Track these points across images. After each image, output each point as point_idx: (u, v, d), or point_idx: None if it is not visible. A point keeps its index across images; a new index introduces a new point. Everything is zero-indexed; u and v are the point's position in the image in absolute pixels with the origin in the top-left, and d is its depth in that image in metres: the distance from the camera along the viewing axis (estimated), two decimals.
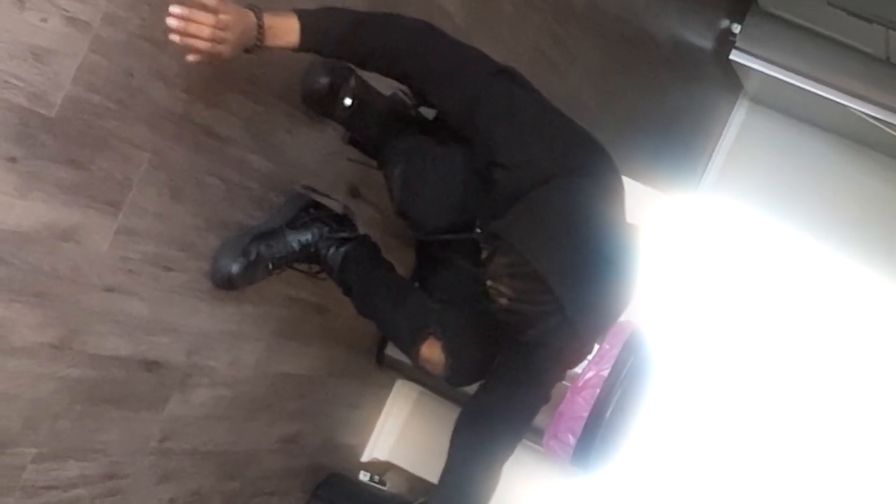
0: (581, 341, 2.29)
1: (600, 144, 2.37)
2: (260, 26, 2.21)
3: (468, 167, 2.35)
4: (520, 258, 2.13)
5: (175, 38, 2.09)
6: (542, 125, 2.32)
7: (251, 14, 2.20)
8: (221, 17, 2.12)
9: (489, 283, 2.18)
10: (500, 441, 2.51)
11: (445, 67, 2.32)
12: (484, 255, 2.21)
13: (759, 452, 3.64)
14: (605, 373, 3.18)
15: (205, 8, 2.11)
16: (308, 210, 2.73)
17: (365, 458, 3.81)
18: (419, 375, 3.50)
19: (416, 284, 2.73)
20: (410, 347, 2.54)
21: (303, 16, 2.26)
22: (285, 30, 2.25)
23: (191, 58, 2.14)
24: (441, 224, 2.42)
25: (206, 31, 2.11)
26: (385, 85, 2.71)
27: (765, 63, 5.76)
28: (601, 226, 2.20)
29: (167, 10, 2.09)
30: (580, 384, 3.20)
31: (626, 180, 2.43)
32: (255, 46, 2.24)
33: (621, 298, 2.27)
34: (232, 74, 2.43)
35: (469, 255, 2.33)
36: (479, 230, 2.37)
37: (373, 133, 2.69)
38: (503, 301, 2.18)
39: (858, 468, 3.58)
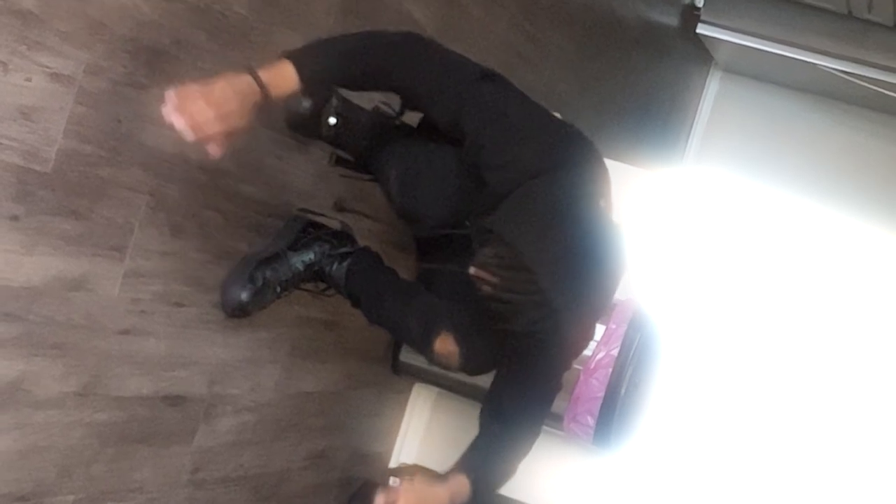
0: (565, 331, 2.30)
1: (583, 136, 2.39)
2: (260, 84, 2.13)
3: (460, 162, 2.35)
4: (509, 249, 2.16)
5: (189, 137, 2.03)
6: (526, 125, 2.32)
7: (246, 76, 2.12)
8: (216, 94, 2.06)
9: (473, 270, 2.21)
10: (521, 434, 2.57)
11: (432, 77, 2.31)
12: (475, 245, 2.23)
13: (767, 414, 3.63)
14: (615, 352, 3.18)
15: (198, 96, 2.05)
16: (307, 230, 2.72)
17: (393, 463, 3.81)
18: (436, 377, 3.50)
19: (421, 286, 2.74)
20: (425, 345, 2.54)
21: (295, 59, 2.19)
22: (283, 77, 2.17)
23: (213, 149, 2.09)
24: (442, 216, 2.41)
25: (210, 114, 2.04)
26: (366, 98, 2.71)
27: (731, 32, 5.76)
28: (587, 219, 2.24)
29: (146, 55, 2.09)
30: (592, 366, 3.20)
31: (611, 163, 2.44)
32: (262, 104, 2.16)
33: (606, 291, 2.33)
34: None
35: (468, 250, 2.34)
36: (468, 223, 2.37)
37: (361, 147, 2.69)
38: (487, 289, 2.21)
39: (863, 420, 3.57)
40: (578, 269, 2.20)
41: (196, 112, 2.03)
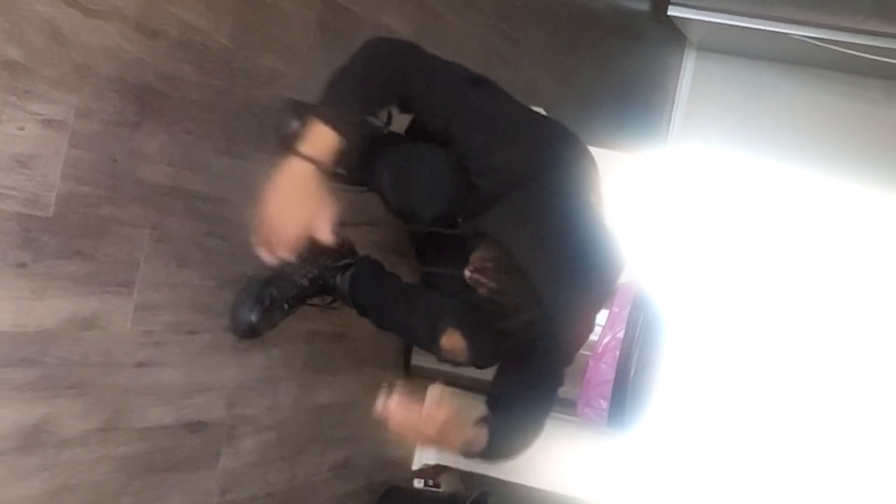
0: (560, 331, 2.29)
1: (570, 133, 2.39)
2: (310, 161, 2.14)
3: (451, 160, 2.35)
4: (502, 252, 2.15)
5: (302, 252, 2.13)
6: (515, 129, 2.31)
7: (293, 161, 2.14)
8: (287, 207, 2.12)
9: (468, 273, 2.21)
10: (523, 426, 2.54)
11: (423, 84, 2.30)
12: (469, 247, 2.23)
13: (773, 382, 3.62)
14: (621, 335, 3.18)
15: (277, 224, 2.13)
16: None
17: (416, 465, 3.80)
18: (448, 376, 3.49)
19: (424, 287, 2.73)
20: (432, 343, 2.54)
21: (322, 118, 2.16)
22: (322, 140, 2.16)
23: (326, 235, 2.15)
24: (437, 209, 2.40)
25: (297, 225, 2.13)
26: None
27: (701, 11, 5.76)
28: (579, 221, 2.24)
29: (134, 93, 2.09)
30: (599, 351, 3.19)
31: (597, 150, 2.44)
32: (322, 172, 2.16)
33: (600, 291, 2.32)
34: (208, 137, 2.42)
35: (463, 252, 2.33)
36: (459, 220, 2.37)
37: (350, 159, 2.68)
38: (483, 291, 2.21)
39: (868, 390, 3.57)
40: (572, 272, 2.19)
41: (286, 236, 2.12)
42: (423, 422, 2.23)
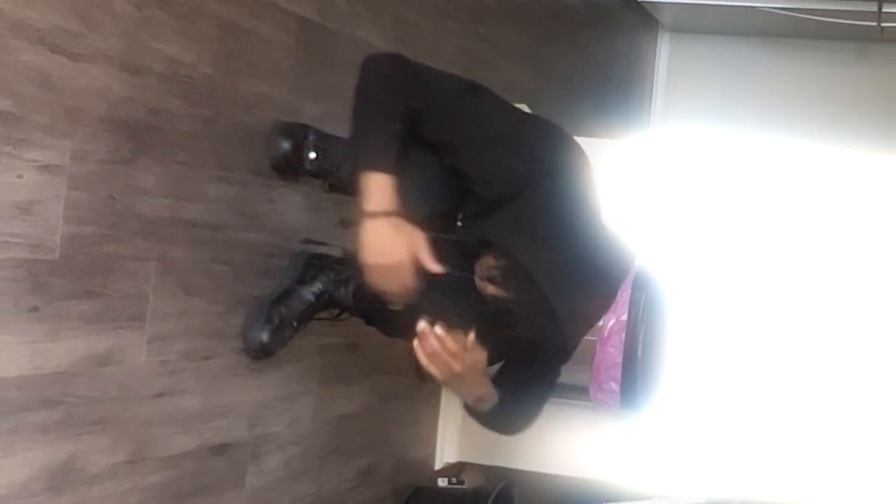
0: (568, 337, 2.29)
1: (565, 135, 2.39)
2: (383, 213, 2.18)
3: (442, 162, 2.34)
4: (511, 261, 2.15)
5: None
6: (514, 136, 2.31)
7: (371, 220, 2.18)
8: (392, 258, 2.19)
9: (478, 282, 2.21)
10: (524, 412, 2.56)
11: (423, 98, 2.30)
12: (469, 250, 2.24)
13: (778, 348, 3.63)
14: (624, 317, 3.18)
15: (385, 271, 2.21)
16: (311, 263, 2.72)
17: (438, 465, 3.81)
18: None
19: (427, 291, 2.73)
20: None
21: (368, 167, 2.19)
22: (380, 189, 2.18)
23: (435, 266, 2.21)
24: (431, 210, 2.39)
25: (405, 268, 2.20)
26: (341, 127, 2.72)
27: None
28: (583, 226, 2.24)
29: (126, 130, 2.10)
30: (605, 335, 3.19)
31: (584, 140, 2.44)
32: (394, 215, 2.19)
33: (607, 295, 2.31)
34: (202, 166, 2.43)
35: (463, 255, 2.33)
36: (459, 223, 2.37)
37: (345, 173, 2.69)
38: (493, 299, 2.21)
39: (869, 358, 3.57)
40: (579, 276, 2.19)
41: (404, 284, 2.21)
42: (452, 356, 2.21)
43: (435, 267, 2.19)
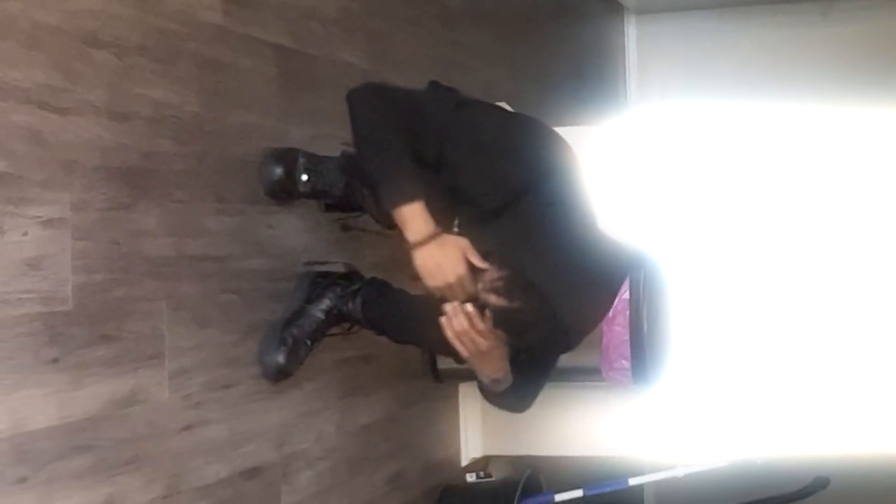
0: (572, 341, 2.31)
1: (552, 132, 2.39)
2: (428, 237, 2.23)
3: (438, 181, 2.35)
4: (513, 270, 2.16)
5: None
6: (503, 146, 2.31)
7: (420, 248, 2.23)
8: (454, 275, 2.24)
9: (483, 295, 2.22)
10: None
11: (412, 123, 2.30)
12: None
13: (780, 309, 3.63)
14: (626, 296, 3.18)
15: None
16: (317, 282, 2.72)
17: (464, 462, 3.81)
18: (473, 372, 3.49)
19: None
20: (452, 350, 2.54)
21: (398, 201, 2.23)
22: (416, 218, 2.23)
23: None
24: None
25: (465, 280, 2.25)
26: (330, 147, 2.72)
27: None
28: (581, 226, 2.26)
29: (122, 177, 2.10)
30: (610, 315, 3.18)
31: (566, 129, 2.44)
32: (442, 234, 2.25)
33: (609, 295, 2.35)
34: (200, 201, 2.42)
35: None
36: (455, 229, 2.38)
37: (338, 191, 2.69)
38: (499, 308, 2.22)
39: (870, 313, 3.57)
40: (581, 278, 2.22)
41: (463, 290, 2.25)
42: (479, 334, 2.25)
43: (484, 265, 2.23)
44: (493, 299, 2.21)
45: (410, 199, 2.23)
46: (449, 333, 2.26)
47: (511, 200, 2.26)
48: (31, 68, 1.96)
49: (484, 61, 4.20)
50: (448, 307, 2.25)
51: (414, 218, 2.23)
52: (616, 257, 2.33)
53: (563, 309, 2.17)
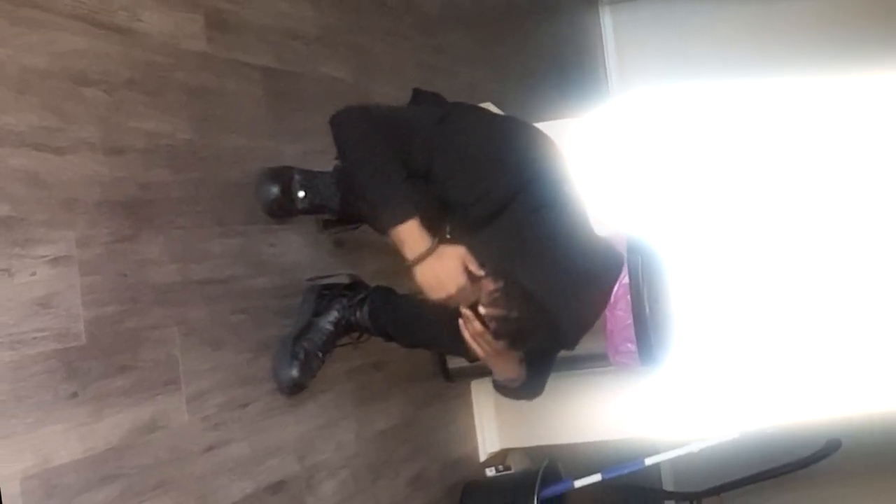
0: (571, 341, 2.35)
1: (537, 132, 2.39)
2: (427, 252, 2.23)
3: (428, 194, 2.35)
4: (510, 283, 2.17)
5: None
6: (489, 156, 2.31)
7: (421, 266, 2.24)
8: (457, 284, 2.25)
9: (482, 309, 2.24)
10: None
11: (398, 141, 2.30)
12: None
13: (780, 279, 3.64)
14: (626, 280, 3.18)
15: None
16: (323, 294, 2.72)
17: (482, 457, 3.81)
18: (484, 369, 3.49)
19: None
20: (461, 349, 2.54)
21: (395, 220, 2.23)
22: (413, 235, 2.24)
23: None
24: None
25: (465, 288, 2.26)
26: (323, 162, 2.72)
27: None
28: (570, 225, 2.27)
29: (123, 209, 2.10)
30: (612, 301, 3.19)
31: (551, 123, 2.44)
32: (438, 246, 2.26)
33: (602, 298, 2.38)
34: (201, 226, 2.43)
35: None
36: (448, 235, 2.38)
37: (335, 204, 2.70)
38: (499, 319, 2.23)
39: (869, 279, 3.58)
40: (575, 284, 2.23)
41: (466, 294, 2.25)
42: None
43: (481, 271, 2.24)
44: (491, 311, 2.22)
45: (403, 218, 2.23)
46: (467, 335, 2.28)
47: (500, 207, 2.27)
48: (24, 112, 1.97)
49: (465, 64, 4.21)
50: (465, 311, 2.27)
51: (409, 236, 2.24)
52: (606, 255, 2.34)
53: (559, 315, 2.19)
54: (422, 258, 2.24)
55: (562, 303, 2.19)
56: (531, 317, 2.19)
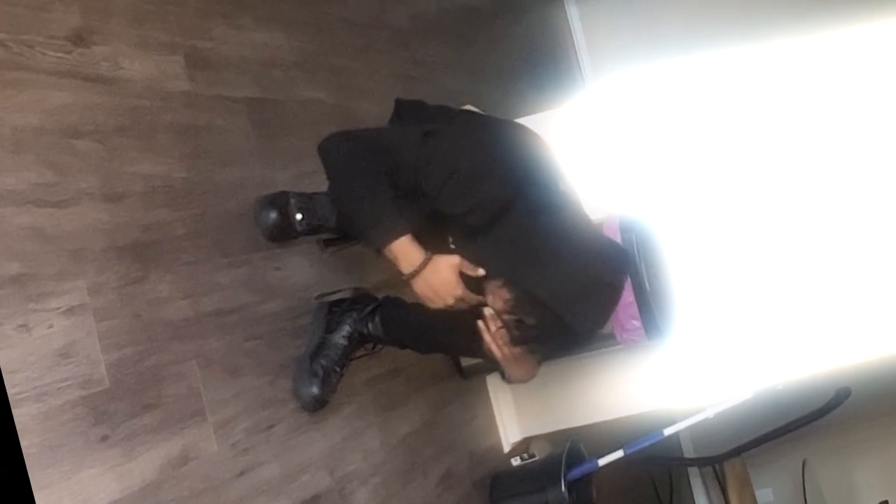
0: (584, 343, 2.40)
1: (522, 133, 2.39)
2: (422, 264, 2.26)
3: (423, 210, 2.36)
4: (520, 291, 2.18)
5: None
6: (477, 169, 2.29)
7: (417, 279, 2.27)
8: (451, 291, 2.30)
9: (506, 319, 2.26)
10: None
11: (386, 162, 2.30)
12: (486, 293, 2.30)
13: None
14: None
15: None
16: (333, 311, 2.73)
17: (506, 448, 3.81)
18: (497, 363, 3.50)
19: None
20: (475, 350, 2.53)
21: (388, 237, 2.25)
22: (406, 250, 2.26)
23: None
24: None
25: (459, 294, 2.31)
26: (316, 182, 2.72)
27: None
28: (570, 226, 2.27)
29: (129, 253, 2.10)
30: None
31: (532, 118, 2.44)
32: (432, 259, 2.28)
33: (613, 295, 2.34)
34: (207, 260, 2.43)
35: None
36: (452, 245, 2.39)
37: (332, 223, 2.70)
38: (514, 328, 2.26)
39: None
40: (585, 284, 2.22)
41: (464, 302, 2.31)
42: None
43: (479, 272, 2.27)
44: (509, 319, 2.23)
45: (395, 235, 2.25)
46: (486, 337, 2.29)
47: (497, 214, 2.26)
48: (22, 171, 1.97)
49: (442, 71, 4.21)
50: (486, 311, 2.29)
51: (403, 252, 2.26)
52: (610, 251, 2.33)
53: (574, 321, 2.19)
54: (417, 272, 2.26)
55: (575, 309, 2.19)
56: (547, 323, 2.21)
